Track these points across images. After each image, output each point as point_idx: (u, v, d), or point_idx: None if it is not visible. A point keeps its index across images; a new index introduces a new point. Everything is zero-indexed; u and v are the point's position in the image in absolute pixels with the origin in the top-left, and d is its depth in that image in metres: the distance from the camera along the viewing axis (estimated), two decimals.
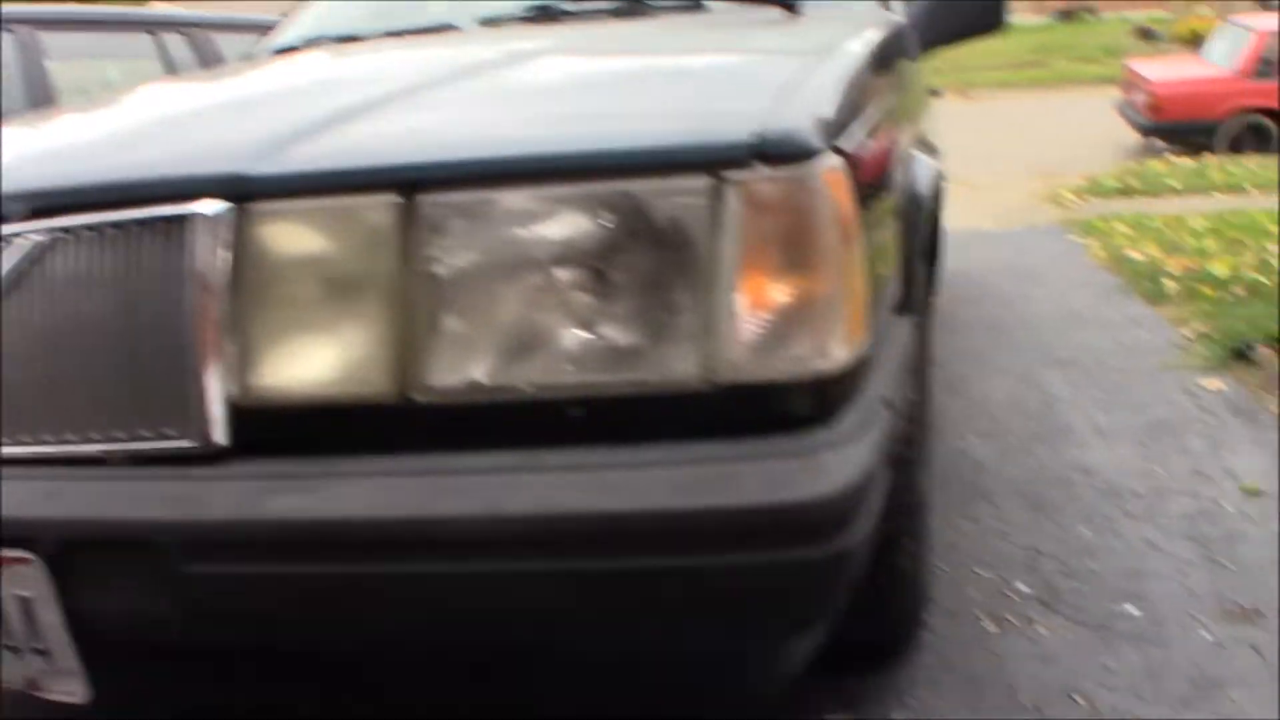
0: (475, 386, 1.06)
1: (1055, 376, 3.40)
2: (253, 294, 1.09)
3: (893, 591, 1.64)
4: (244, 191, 1.09)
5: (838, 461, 0.98)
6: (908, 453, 1.52)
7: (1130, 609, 1.93)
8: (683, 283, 1.02)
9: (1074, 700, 1.68)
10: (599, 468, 1.00)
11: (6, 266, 1.13)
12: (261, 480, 1.08)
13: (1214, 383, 3.13)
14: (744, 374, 1.02)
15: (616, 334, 1.04)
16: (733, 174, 1.01)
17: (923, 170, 1.74)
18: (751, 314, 1.02)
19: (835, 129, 1.10)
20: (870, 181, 1.21)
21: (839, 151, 1.08)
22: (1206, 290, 4.02)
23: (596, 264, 1.04)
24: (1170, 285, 4.16)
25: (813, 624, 1.07)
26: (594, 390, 1.04)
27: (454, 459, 1.05)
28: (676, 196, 1.02)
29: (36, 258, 1.12)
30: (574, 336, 1.04)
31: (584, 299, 1.04)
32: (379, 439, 1.08)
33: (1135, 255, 4.72)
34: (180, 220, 1.09)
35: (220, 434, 1.10)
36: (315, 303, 1.09)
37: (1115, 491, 2.47)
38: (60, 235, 1.12)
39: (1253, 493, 2.38)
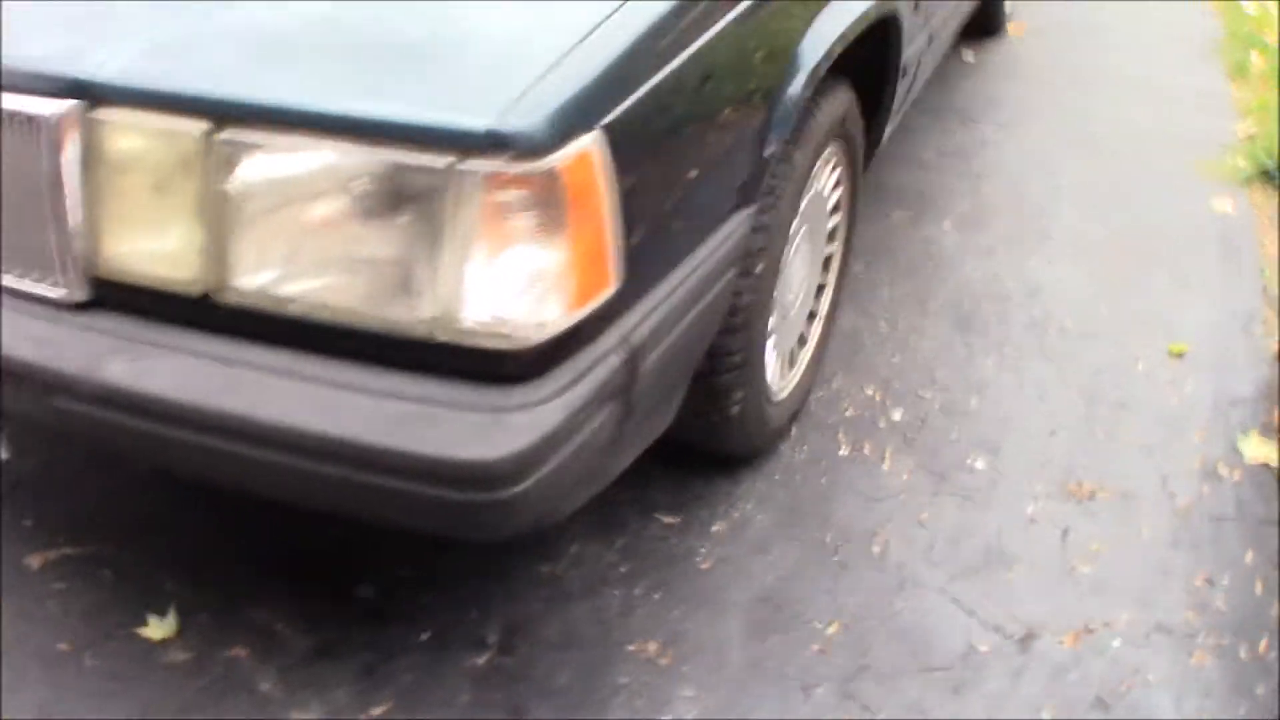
0: (260, 295, 1.22)
1: (1072, 163, 3.30)
2: (97, 181, 1.24)
3: (725, 426, 1.83)
4: (92, 95, 1.21)
5: (521, 424, 1.13)
6: (739, 320, 1.65)
7: (978, 464, 2.09)
8: (423, 244, 1.13)
9: (870, 546, 1.90)
10: (338, 387, 1.18)
11: None
12: (106, 339, 1.29)
13: (1224, 204, 3.01)
14: (465, 335, 1.15)
15: (369, 278, 1.17)
16: (469, 159, 1.09)
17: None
18: (477, 281, 1.13)
19: (595, 110, 1.13)
20: (655, 140, 1.24)
21: (604, 128, 1.13)
22: None
23: (359, 214, 1.15)
24: (1258, 61, 3.81)
25: (508, 529, 1.27)
26: (350, 319, 1.19)
27: (243, 350, 1.24)
28: (422, 170, 1.11)
29: None
30: (336, 272, 1.18)
31: (346, 243, 1.17)
32: (193, 320, 1.28)
33: (1250, 6, 4.27)
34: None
35: (80, 291, 1.30)
36: (143, 200, 1.24)
37: (1044, 322, 2.52)
38: None
39: (1176, 355, 2.41)
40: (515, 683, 1.64)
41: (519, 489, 1.15)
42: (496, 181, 1.09)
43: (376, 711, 1.59)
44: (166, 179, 1.20)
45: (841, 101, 1.85)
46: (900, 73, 2.16)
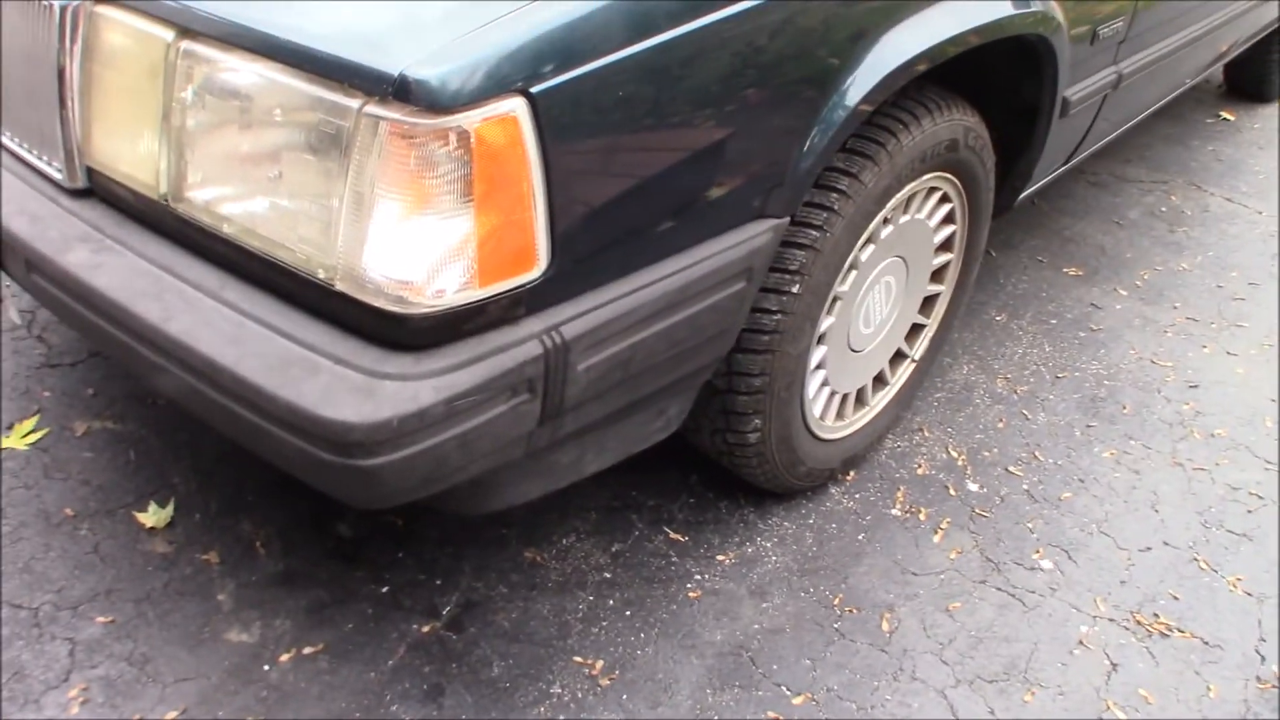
0: (204, 210, 1.20)
1: None
2: (91, 75, 1.27)
3: (743, 452, 1.67)
4: None
5: (390, 393, 1.05)
6: (763, 340, 1.50)
7: (1043, 563, 1.82)
8: (335, 186, 1.07)
9: (880, 622, 1.68)
10: (245, 316, 1.15)
11: None
12: (82, 226, 1.32)
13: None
14: (361, 289, 1.08)
15: (288, 211, 1.12)
16: (378, 104, 1.01)
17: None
18: (379, 235, 1.05)
19: (526, 75, 1.02)
20: (603, 118, 1.12)
21: (525, 94, 1.02)
22: None
23: (284, 145, 1.10)
24: None
25: (373, 500, 1.18)
26: (270, 251, 1.15)
27: (184, 261, 1.24)
28: (336, 108, 1.05)
29: None
30: (262, 201, 1.14)
31: (273, 171, 1.12)
32: (156, 223, 1.29)
33: None
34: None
35: (78, 178, 1.34)
36: (124, 99, 1.25)
37: (1190, 422, 2.17)
38: None
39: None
40: (448, 661, 1.58)
41: (378, 461, 1.07)
42: (402, 130, 1.00)
43: (307, 650, 1.57)
44: (142, 81, 1.20)
45: (951, 125, 1.63)
46: (1057, 110, 1.89)
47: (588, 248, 1.16)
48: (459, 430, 1.10)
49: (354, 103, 1.03)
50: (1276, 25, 3.41)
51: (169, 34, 1.16)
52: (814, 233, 1.47)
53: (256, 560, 1.71)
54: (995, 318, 2.46)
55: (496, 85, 1.01)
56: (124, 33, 1.21)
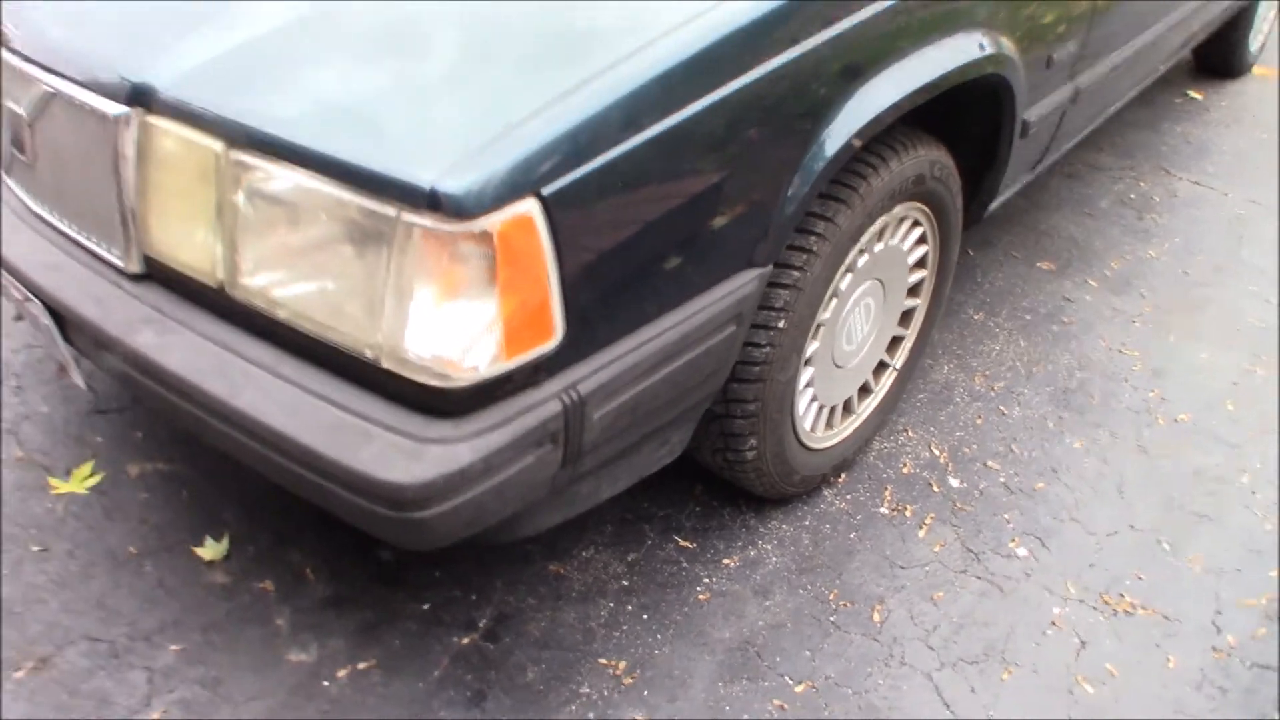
0: (258, 295, 1.37)
1: (1266, 232, 3.00)
2: (147, 174, 1.43)
3: (741, 467, 1.85)
4: (146, 103, 1.39)
5: (435, 456, 1.23)
6: (754, 371, 1.68)
7: (1019, 551, 2.00)
8: (377, 278, 1.24)
9: (872, 613, 1.87)
10: (303, 390, 1.32)
11: (29, 104, 1.53)
12: (146, 309, 1.48)
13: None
14: (406, 366, 1.25)
15: (336, 298, 1.29)
16: (412, 213, 1.18)
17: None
18: (419, 321, 1.23)
19: (537, 179, 1.19)
20: (617, 209, 1.29)
21: (537, 195, 1.20)
22: None
23: (330, 240, 1.27)
24: None
25: (425, 544, 1.36)
26: (321, 332, 1.32)
27: (242, 340, 1.41)
28: (375, 214, 1.22)
29: (47, 102, 1.51)
30: (311, 288, 1.31)
31: (321, 263, 1.29)
32: (213, 305, 1.45)
33: None
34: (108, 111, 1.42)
35: (136, 264, 1.50)
36: (179, 197, 1.41)
37: (1155, 409, 2.35)
38: (52, 92, 1.49)
39: None
40: (488, 669, 1.76)
41: (429, 514, 1.25)
42: (435, 234, 1.17)
43: (361, 666, 1.76)
44: (195, 183, 1.36)
45: (918, 161, 1.80)
46: (1018, 132, 2.06)
47: (597, 315, 1.33)
48: (495, 481, 1.28)
49: (391, 211, 1.19)
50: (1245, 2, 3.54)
51: (218, 145, 1.32)
52: (795, 273, 1.64)
53: (308, 586, 1.89)
54: (973, 316, 2.63)
55: (512, 192, 1.18)
56: (177, 142, 1.37)
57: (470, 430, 1.26)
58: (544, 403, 1.30)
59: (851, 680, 1.76)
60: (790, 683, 1.76)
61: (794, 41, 1.43)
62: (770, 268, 1.58)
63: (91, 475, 2.08)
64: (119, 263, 1.51)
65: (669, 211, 1.37)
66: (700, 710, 1.71)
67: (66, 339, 1.64)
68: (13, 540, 1.94)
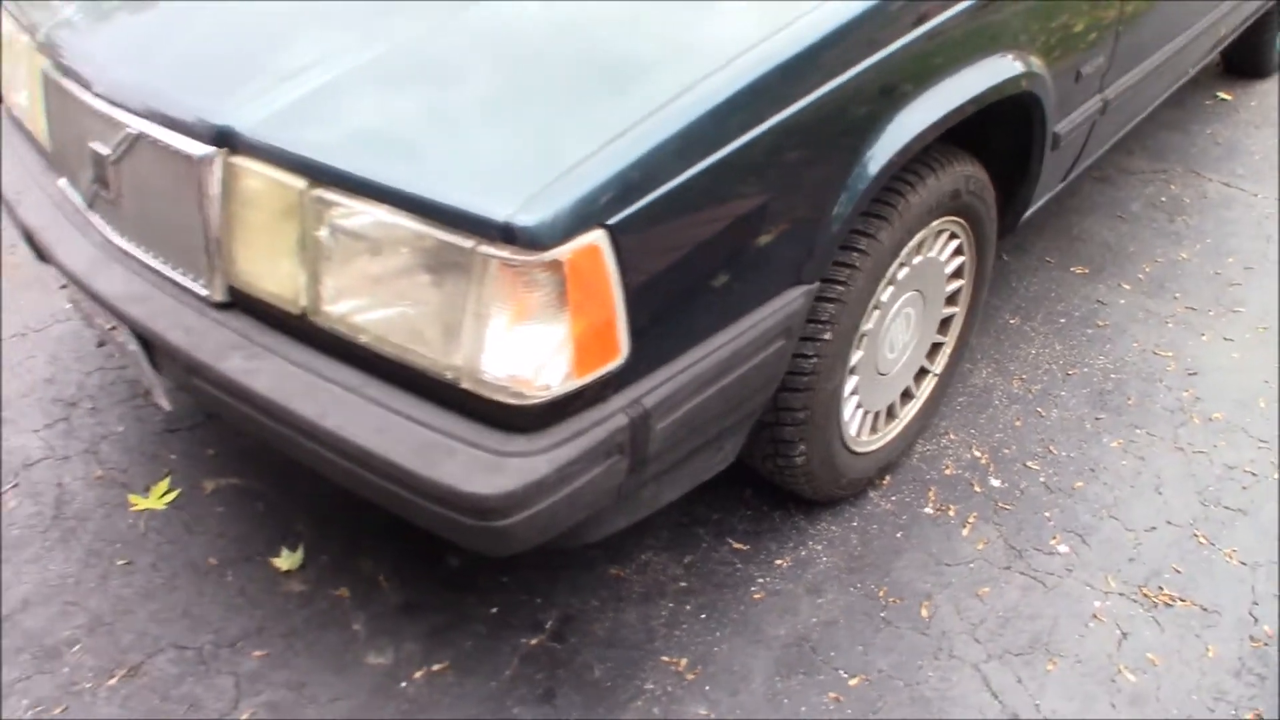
0: (341, 322, 1.47)
1: None
2: (232, 210, 1.53)
3: (791, 472, 1.94)
4: (230, 144, 1.50)
5: (515, 468, 1.33)
6: (803, 381, 1.77)
7: (1060, 548, 2.07)
8: (455, 305, 1.34)
9: (920, 609, 1.95)
10: (388, 409, 1.42)
11: (113, 144, 1.64)
12: (233, 336, 1.59)
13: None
14: (483, 386, 1.35)
15: (416, 324, 1.39)
16: (488, 245, 1.28)
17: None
18: (495, 344, 1.33)
19: (602, 212, 1.29)
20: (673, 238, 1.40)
21: (611, 226, 1.30)
22: None
23: (411, 270, 1.37)
24: None
25: (507, 550, 1.46)
26: (402, 355, 1.42)
27: (327, 364, 1.51)
28: (453, 246, 1.32)
29: (131, 143, 1.62)
30: (391, 314, 1.41)
31: (402, 291, 1.39)
32: (296, 332, 1.56)
33: None
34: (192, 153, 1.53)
35: (220, 294, 1.61)
36: (263, 231, 1.51)
37: (1190, 408, 2.41)
38: (135, 134, 1.60)
39: None
40: (556, 668, 1.86)
41: (509, 522, 1.34)
42: (509, 265, 1.27)
43: (435, 667, 1.86)
44: (278, 219, 1.47)
45: (953, 177, 1.88)
46: (1050, 145, 2.13)
47: (659, 333, 1.42)
48: (568, 490, 1.38)
49: (468, 243, 1.29)
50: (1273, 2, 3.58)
51: (301, 183, 1.43)
52: (840, 288, 1.73)
53: (381, 593, 1.99)
54: (1010, 321, 2.71)
55: (581, 224, 1.27)
56: (260, 181, 1.47)
57: (545, 444, 1.35)
58: (611, 416, 1.40)
59: (903, 673, 1.84)
60: (844, 676, 1.84)
61: (840, 69, 1.53)
62: (817, 284, 1.67)
63: (169, 491, 2.20)
64: (204, 292, 1.62)
65: (721, 234, 1.46)
66: (760, 703, 1.80)
67: (153, 364, 1.76)
68: (98, 555, 2.06)
